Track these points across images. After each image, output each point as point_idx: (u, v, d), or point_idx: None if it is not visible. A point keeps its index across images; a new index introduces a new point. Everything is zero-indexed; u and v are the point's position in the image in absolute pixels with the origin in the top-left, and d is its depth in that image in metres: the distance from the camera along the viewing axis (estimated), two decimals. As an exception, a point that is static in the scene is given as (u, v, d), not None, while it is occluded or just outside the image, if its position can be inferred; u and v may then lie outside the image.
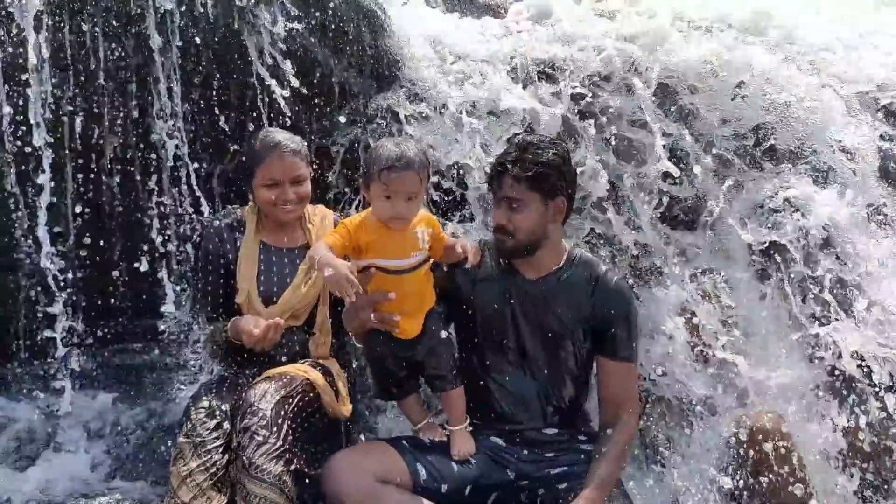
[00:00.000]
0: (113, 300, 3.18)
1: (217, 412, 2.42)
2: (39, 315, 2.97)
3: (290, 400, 2.41)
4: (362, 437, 2.86)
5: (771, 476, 2.72)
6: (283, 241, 2.69)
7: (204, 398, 2.47)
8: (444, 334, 2.46)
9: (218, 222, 2.71)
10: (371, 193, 2.30)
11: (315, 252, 2.23)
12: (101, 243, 3.09)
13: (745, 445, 2.79)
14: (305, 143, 2.67)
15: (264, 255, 2.66)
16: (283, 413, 2.35)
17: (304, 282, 2.63)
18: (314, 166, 2.85)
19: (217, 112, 3.06)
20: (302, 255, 2.65)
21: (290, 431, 2.35)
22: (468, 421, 2.51)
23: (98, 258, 3.10)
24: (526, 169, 2.37)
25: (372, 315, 2.33)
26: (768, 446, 2.74)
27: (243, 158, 2.66)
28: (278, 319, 2.44)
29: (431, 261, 2.43)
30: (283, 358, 2.62)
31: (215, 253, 2.66)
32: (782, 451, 2.74)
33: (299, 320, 2.66)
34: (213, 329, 2.62)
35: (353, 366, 2.85)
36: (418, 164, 2.27)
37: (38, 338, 3.04)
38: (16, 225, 2.91)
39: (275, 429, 2.30)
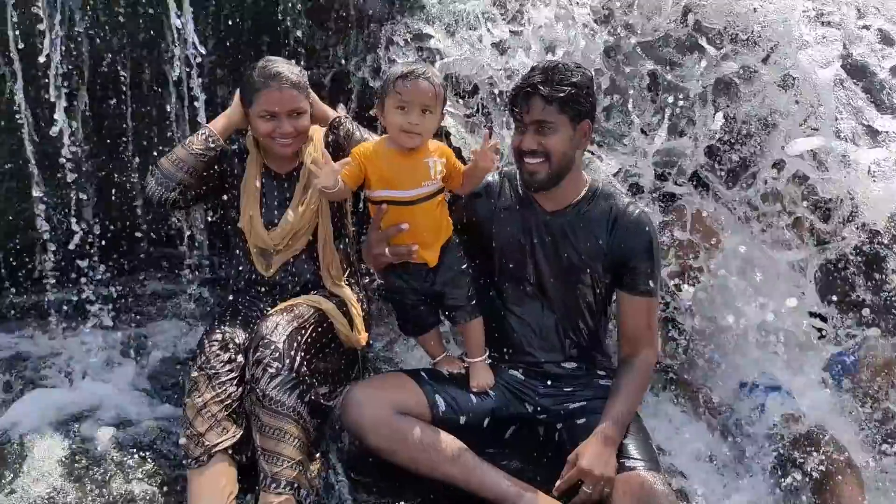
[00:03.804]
0: (133, 231, 3.19)
1: (230, 344, 2.43)
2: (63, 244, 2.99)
3: (303, 331, 2.40)
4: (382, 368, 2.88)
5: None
6: (283, 167, 2.64)
7: (217, 331, 2.47)
8: (462, 265, 2.44)
9: (230, 149, 2.67)
10: (386, 108, 2.27)
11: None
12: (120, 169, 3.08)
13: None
14: (306, 74, 2.58)
15: (266, 181, 2.63)
16: (295, 345, 2.34)
17: (300, 202, 2.59)
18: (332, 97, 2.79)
19: (231, 36, 2.99)
20: (298, 175, 2.62)
21: (304, 363, 2.34)
22: (487, 353, 2.50)
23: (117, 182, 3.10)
24: (557, 89, 2.29)
25: (387, 250, 2.30)
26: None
27: (243, 89, 2.56)
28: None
29: (445, 191, 2.38)
30: (297, 288, 2.62)
31: (221, 168, 2.64)
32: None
33: (300, 241, 2.63)
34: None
35: (370, 295, 2.84)
36: (433, 77, 2.26)
37: (62, 267, 3.05)
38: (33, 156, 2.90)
39: (287, 360, 2.30)
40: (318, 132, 2.67)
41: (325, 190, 2.23)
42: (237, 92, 2.60)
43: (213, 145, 2.54)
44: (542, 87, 2.31)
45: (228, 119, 2.60)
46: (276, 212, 2.61)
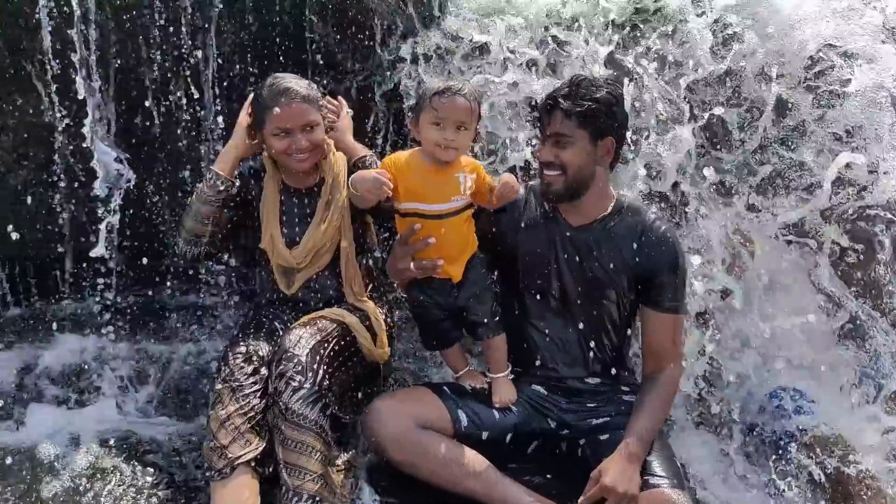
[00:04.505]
0: (154, 242, 3.21)
1: (254, 357, 2.43)
2: (84, 254, 3.01)
3: (326, 345, 2.41)
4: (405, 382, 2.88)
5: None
6: (302, 182, 2.63)
7: (241, 343, 2.47)
8: (486, 281, 2.43)
9: (247, 168, 2.67)
10: (421, 123, 2.28)
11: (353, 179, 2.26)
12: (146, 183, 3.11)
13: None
14: (315, 87, 2.56)
15: (285, 198, 2.62)
16: (318, 358, 2.35)
17: (322, 219, 2.58)
18: (354, 108, 2.79)
19: (256, 50, 3.01)
20: (319, 191, 2.61)
21: (326, 376, 2.34)
22: (510, 369, 2.49)
23: (141, 198, 3.12)
24: (577, 104, 2.30)
25: (412, 265, 2.31)
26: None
27: (254, 108, 2.54)
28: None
29: (474, 207, 2.38)
30: (319, 304, 2.62)
31: (240, 197, 2.62)
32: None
33: (323, 259, 2.62)
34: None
35: (394, 311, 2.84)
36: (469, 93, 2.26)
37: (82, 277, 3.08)
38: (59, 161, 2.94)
39: (310, 374, 2.30)
40: (340, 157, 2.67)
41: (366, 195, 2.23)
42: (238, 121, 2.58)
43: (223, 187, 2.52)
44: (562, 101, 2.31)
45: (233, 153, 2.56)
46: (297, 229, 2.61)
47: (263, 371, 2.41)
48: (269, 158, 2.63)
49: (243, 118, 2.57)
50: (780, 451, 2.75)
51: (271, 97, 2.46)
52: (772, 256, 3.01)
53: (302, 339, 2.37)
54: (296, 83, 2.49)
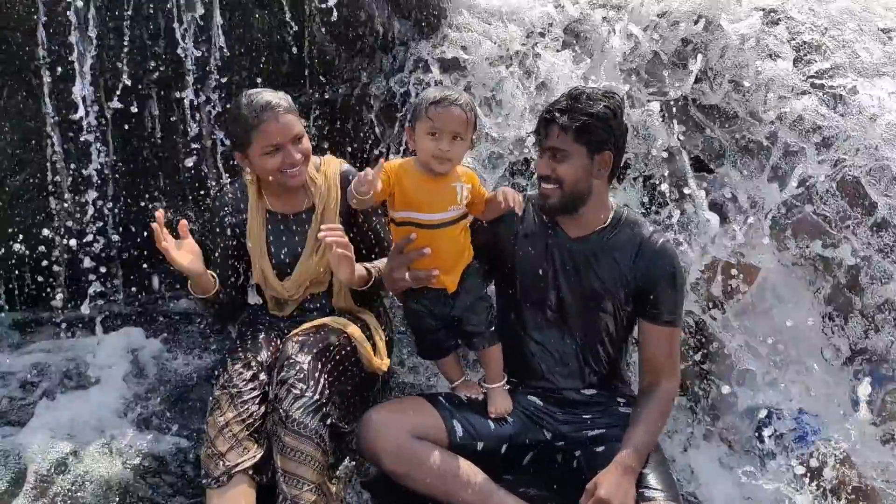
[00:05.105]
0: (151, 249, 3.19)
1: (253, 362, 2.41)
2: (80, 260, 3.01)
3: (328, 353, 2.39)
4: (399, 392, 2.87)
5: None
6: (288, 207, 2.56)
7: (240, 350, 2.46)
8: (481, 291, 2.44)
9: (230, 192, 2.61)
10: (416, 133, 2.26)
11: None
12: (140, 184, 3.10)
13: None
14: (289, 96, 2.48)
15: (272, 226, 2.56)
16: (320, 366, 2.33)
17: (314, 250, 2.53)
18: (354, 118, 2.79)
19: (253, 57, 3.01)
20: (309, 219, 2.56)
21: (328, 385, 2.32)
22: (506, 379, 2.49)
23: (137, 201, 3.11)
24: (574, 119, 2.30)
25: (407, 275, 2.31)
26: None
27: (233, 130, 2.43)
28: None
29: (470, 217, 2.38)
30: (315, 318, 2.58)
31: (225, 224, 2.58)
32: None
33: (323, 285, 2.60)
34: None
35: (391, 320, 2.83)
36: (465, 104, 2.25)
37: (78, 284, 3.07)
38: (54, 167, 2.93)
39: (312, 382, 2.28)
40: (331, 164, 2.61)
41: (360, 197, 2.19)
42: (175, 259, 2.39)
43: (210, 296, 2.52)
44: (559, 115, 2.32)
45: (198, 278, 2.47)
46: (287, 259, 2.56)
47: (263, 377, 2.39)
48: (252, 184, 2.55)
49: (179, 258, 2.39)
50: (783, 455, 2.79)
51: (254, 115, 2.36)
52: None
53: (305, 345, 2.35)
54: (274, 95, 2.41)
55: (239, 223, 2.59)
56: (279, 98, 2.40)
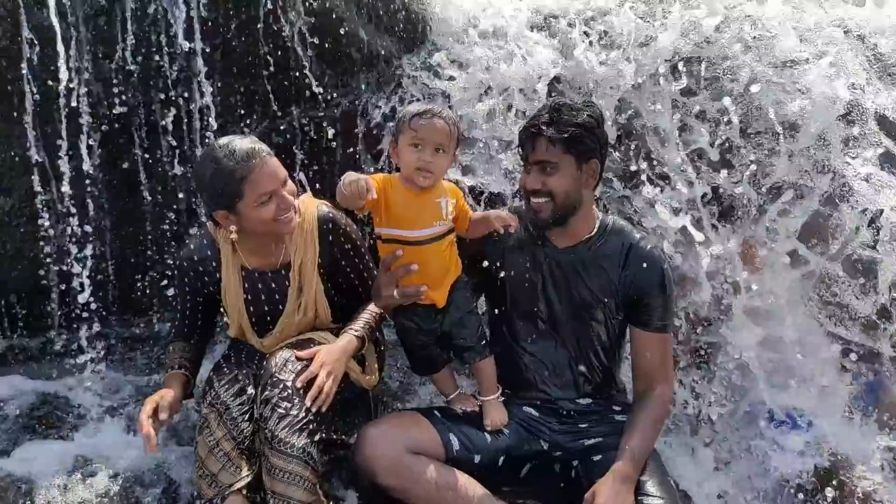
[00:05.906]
0: (143, 273, 3.21)
1: (239, 375, 2.39)
2: (71, 286, 2.98)
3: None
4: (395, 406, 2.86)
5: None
6: (264, 263, 2.45)
7: (224, 366, 2.44)
8: (471, 305, 2.43)
9: (192, 254, 2.46)
10: (400, 146, 2.25)
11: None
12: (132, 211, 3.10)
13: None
14: None
15: (248, 284, 2.45)
16: (306, 384, 2.26)
17: (295, 308, 2.47)
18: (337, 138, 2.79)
19: (240, 79, 3.01)
20: (287, 275, 2.46)
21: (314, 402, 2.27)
22: (500, 391, 2.48)
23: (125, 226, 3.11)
24: (561, 130, 2.30)
25: (395, 292, 2.30)
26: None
27: (217, 187, 2.23)
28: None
29: (454, 232, 2.37)
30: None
31: (193, 288, 2.49)
32: None
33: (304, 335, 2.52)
34: (173, 348, 2.52)
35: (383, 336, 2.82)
36: (448, 117, 2.25)
37: (68, 309, 3.06)
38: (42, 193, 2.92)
39: (296, 400, 2.22)
40: (309, 209, 2.47)
41: (351, 198, 2.12)
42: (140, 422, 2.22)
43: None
44: (545, 128, 2.32)
45: (169, 397, 2.32)
46: (268, 318, 2.48)
47: (250, 391, 2.35)
48: (225, 242, 2.42)
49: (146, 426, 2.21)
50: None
51: (240, 165, 2.20)
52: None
53: (288, 362, 2.29)
54: (252, 142, 2.26)
55: (206, 284, 2.48)
56: (255, 142, 2.26)
